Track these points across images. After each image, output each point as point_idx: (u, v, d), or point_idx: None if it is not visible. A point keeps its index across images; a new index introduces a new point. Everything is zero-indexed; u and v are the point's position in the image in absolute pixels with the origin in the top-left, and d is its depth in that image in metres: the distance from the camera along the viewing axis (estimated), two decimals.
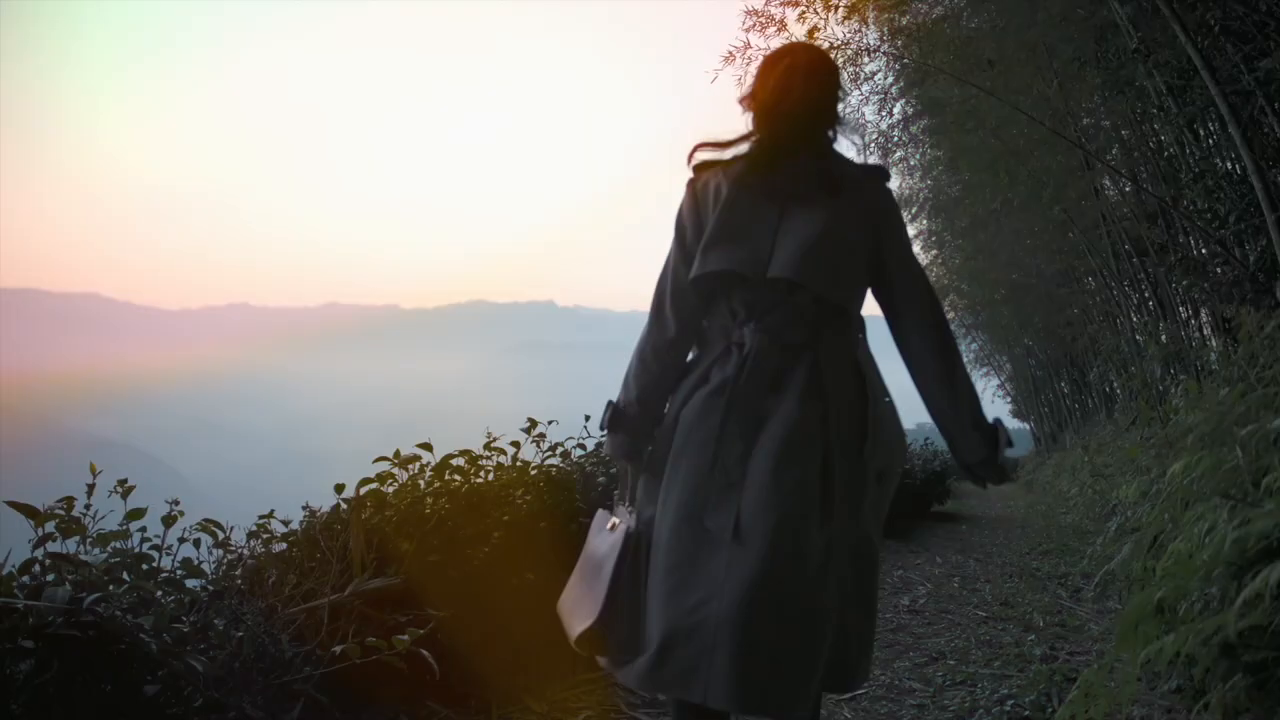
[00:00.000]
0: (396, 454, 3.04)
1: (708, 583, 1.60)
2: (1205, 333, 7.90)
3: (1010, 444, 1.78)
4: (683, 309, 1.81)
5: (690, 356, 1.87)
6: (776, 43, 6.44)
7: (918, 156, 12.24)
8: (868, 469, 1.72)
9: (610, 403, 1.89)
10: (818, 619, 1.61)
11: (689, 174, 1.87)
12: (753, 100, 1.82)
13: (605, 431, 1.89)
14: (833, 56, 2.01)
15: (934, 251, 17.07)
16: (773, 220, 1.72)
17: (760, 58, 1.96)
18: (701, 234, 1.76)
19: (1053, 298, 13.93)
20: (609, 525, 1.86)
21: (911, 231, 16.75)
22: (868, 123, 8.99)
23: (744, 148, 1.81)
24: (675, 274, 1.82)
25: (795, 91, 1.75)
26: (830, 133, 1.83)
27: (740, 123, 1.83)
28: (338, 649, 2.20)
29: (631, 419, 1.84)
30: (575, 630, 1.77)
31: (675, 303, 1.82)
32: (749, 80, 1.86)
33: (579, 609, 1.79)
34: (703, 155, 1.85)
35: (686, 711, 1.71)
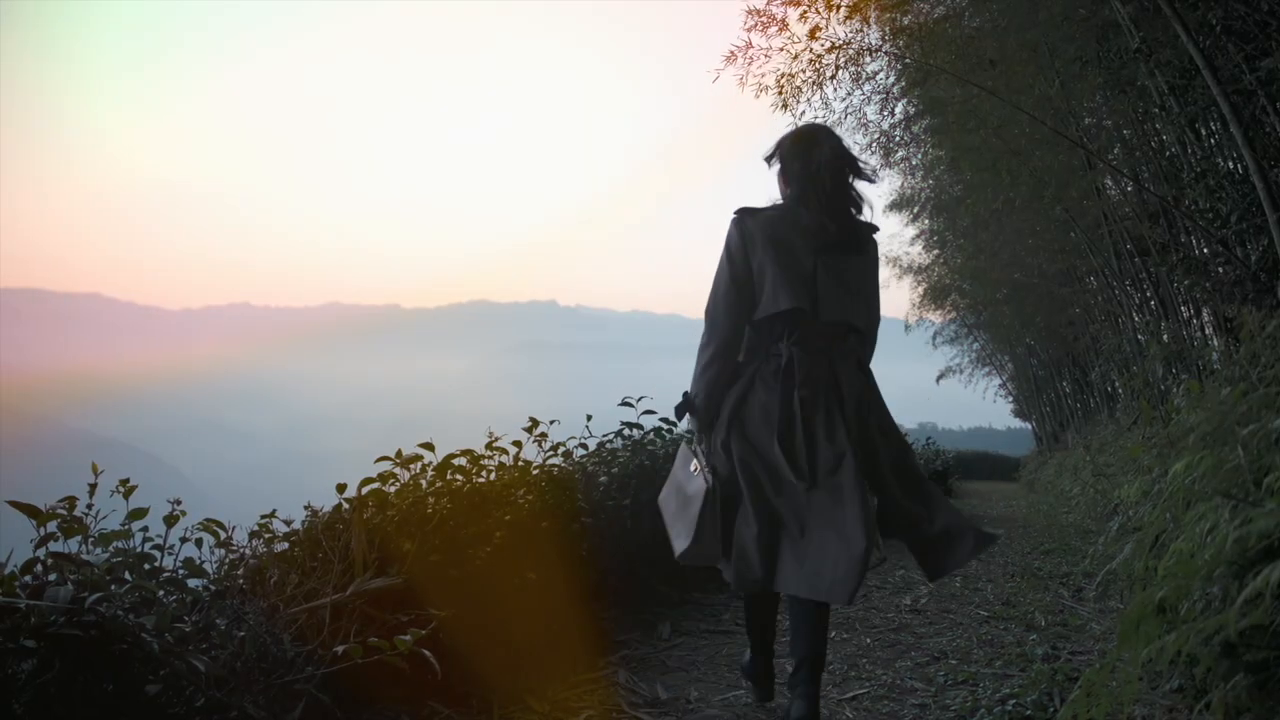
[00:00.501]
0: (398, 453, 3.04)
1: (787, 511, 2.36)
2: (1207, 332, 7.89)
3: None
4: (732, 320, 2.44)
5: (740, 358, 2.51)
6: (778, 42, 6.46)
7: (919, 156, 12.24)
8: (869, 423, 2.46)
9: (685, 394, 2.53)
10: (860, 527, 2.23)
11: (735, 216, 2.47)
12: (787, 181, 2.50)
13: (679, 416, 2.58)
14: (851, 144, 2.62)
15: (935, 251, 17.09)
16: (811, 270, 2.36)
17: (788, 134, 2.53)
18: (749, 267, 2.40)
19: (1054, 297, 13.93)
20: (692, 467, 2.53)
21: (913, 231, 16.81)
22: (870, 122, 8.98)
23: (782, 207, 2.48)
24: (726, 294, 2.43)
25: (825, 185, 2.39)
26: (852, 208, 2.47)
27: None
28: (340, 649, 2.20)
29: (700, 407, 2.49)
30: (676, 549, 2.54)
31: (727, 317, 2.44)
32: (778, 151, 2.52)
33: (676, 532, 2.57)
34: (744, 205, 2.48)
35: (758, 600, 2.65)
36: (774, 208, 2.48)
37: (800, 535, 2.33)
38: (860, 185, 2.50)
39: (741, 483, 2.39)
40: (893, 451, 2.50)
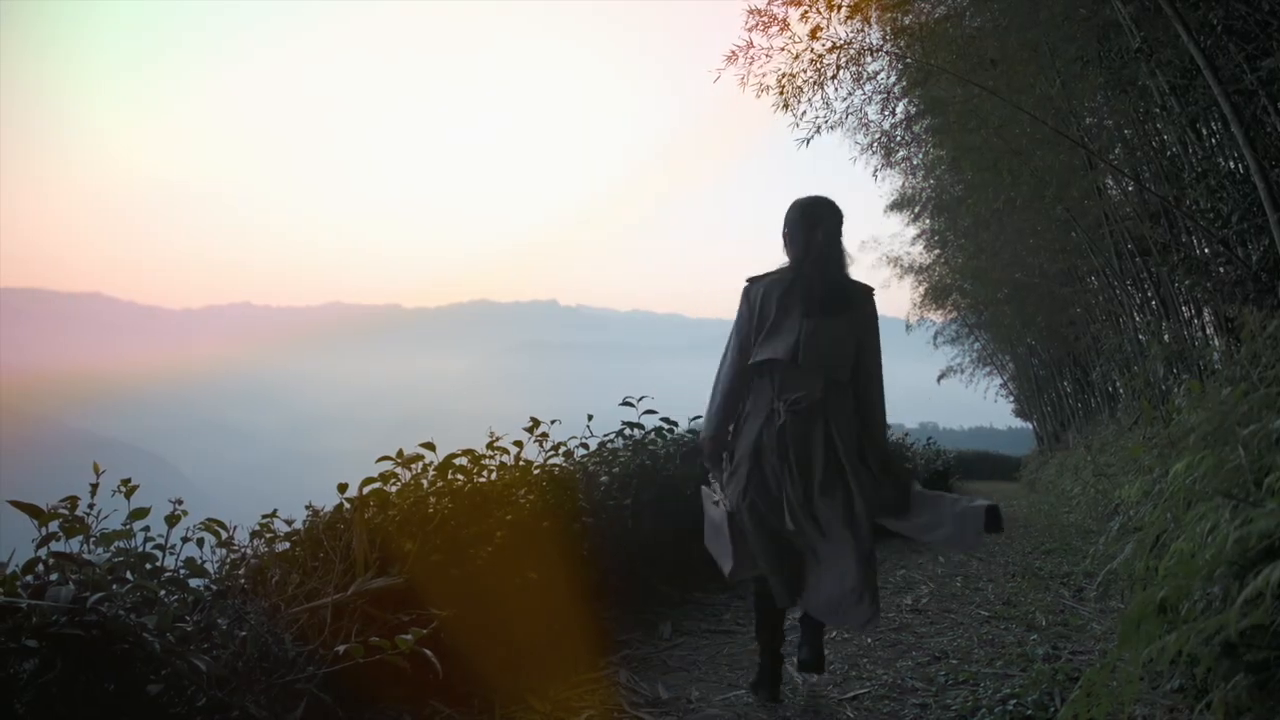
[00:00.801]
0: (399, 453, 3.05)
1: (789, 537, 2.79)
2: (1208, 332, 7.88)
3: (905, 477, 2.94)
4: (738, 376, 2.89)
5: (746, 406, 2.91)
6: (779, 42, 6.46)
7: (920, 156, 12.23)
8: (867, 463, 2.78)
9: (695, 434, 3.25)
10: (849, 567, 2.69)
11: (745, 285, 2.93)
12: (791, 247, 2.90)
13: (692, 453, 3.16)
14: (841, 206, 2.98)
15: (936, 251, 17.08)
16: (807, 326, 2.76)
17: (795, 208, 2.92)
18: (755, 330, 2.84)
19: (1055, 297, 13.91)
20: (715, 500, 2.97)
21: (914, 231, 16.80)
22: (871, 121, 8.98)
23: (782, 272, 2.89)
24: (735, 354, 2.89)
25: (819, 251, 2.81)
26: (845, 270, 2.87)
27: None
28: (341, 648, 2.21)
29: (711, 446, 2.94)
30: (725, 570, 2.89)
31: (734, 372, 2.89)
32: (786, 222, 2.92)
33: (719, 556, 2.94)
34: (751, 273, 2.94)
35: (768, 612, 2.96)
36: (778, 272, 2.91)
37: (816, 563, 2.79)
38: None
39: (748, 521, 2.81)
40: (858, 503, 2.75)
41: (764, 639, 2.97)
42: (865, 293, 2.89)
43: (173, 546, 2.23)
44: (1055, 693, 2.90)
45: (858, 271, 3.03)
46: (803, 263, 2.84)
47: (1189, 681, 2.52)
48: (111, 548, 2.08)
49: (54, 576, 1.89)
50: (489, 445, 3.48)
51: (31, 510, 1.94)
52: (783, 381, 2.79)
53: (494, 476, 3.46)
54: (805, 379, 2.77)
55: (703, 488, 3.13)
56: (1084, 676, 1.95)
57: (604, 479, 4.35)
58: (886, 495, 2.76)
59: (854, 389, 2.85)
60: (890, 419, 3.10)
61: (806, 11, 6.36)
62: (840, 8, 6.42)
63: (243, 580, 2.50)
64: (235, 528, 2.50)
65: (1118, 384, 13.04)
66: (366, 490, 2.85)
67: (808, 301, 2.79)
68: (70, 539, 1.98)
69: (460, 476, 3.27)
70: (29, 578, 1.87)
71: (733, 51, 6.54)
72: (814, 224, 2.85)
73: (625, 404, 4.84)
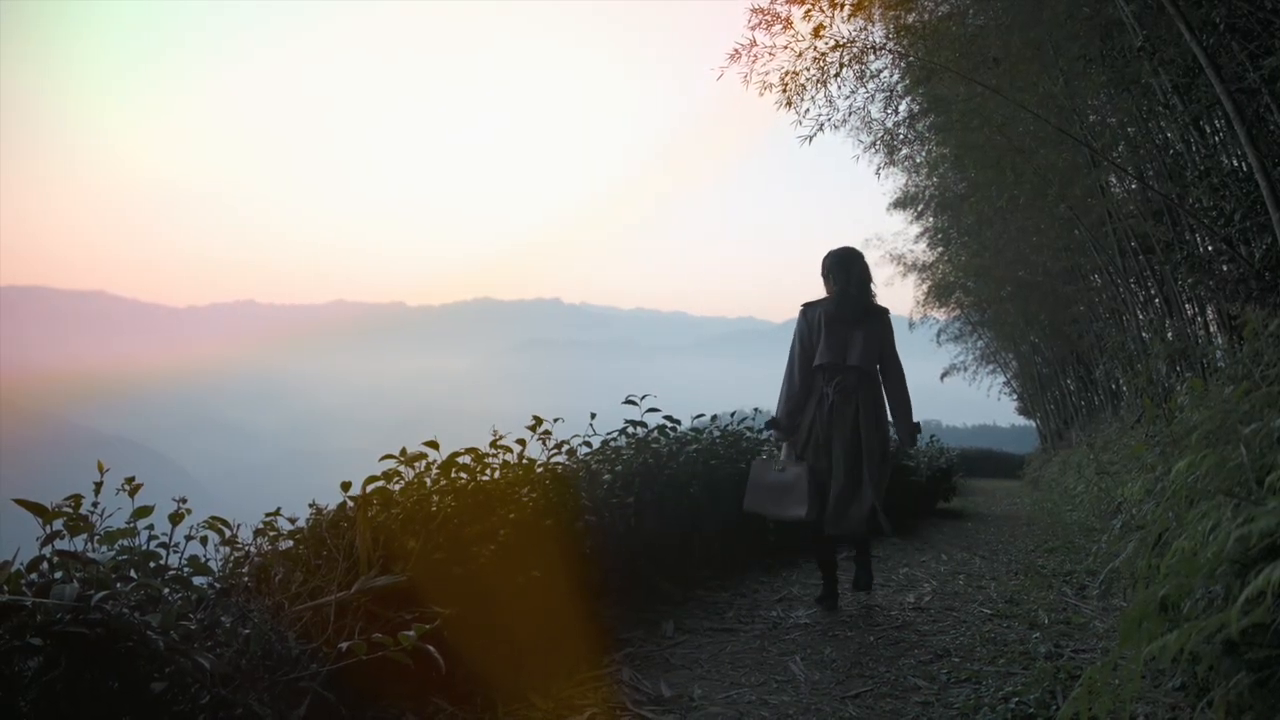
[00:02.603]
0: (403, 452, 3.05)
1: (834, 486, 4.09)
2: (1211, 330, 7.88)
3: (919, 430, 4.57)
4: (803, 373, 4.20)
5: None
6: (782, 40, 6.48)
7: (923, 154, 12.23)
8: (880, 431, 4.15)
9: (774, 418, 4.27)
10: (867, 494, 4.03)
11: (801, 307, 4.32)
12: (832, 284, 4.22)
13: (769, 429, 4.43)
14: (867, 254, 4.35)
15: (939, 249, 17.07)
16: (845, 336, 4.13)
17: (831, 256, 4.26)
18: (814, 339, 4.16)
19: (1058, 295, 13.92)
20: (778, 468, 4.21)
21: (917, 229, 16.82)
22: (874, 120, 8.98)
23: (826, 301, 4.22)
24: (800, 357, 4.20)
25: (852, 294, 4.18)
26: (872, 297, 4.23)
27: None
28: (344, 646, 2.21)
29: (785, 427, 4.23)
30: (798, 515, 4.05)
31: (800, 371, 4.20)
32: (825, 268, 4.25)
33: (786, 508, 4.10)
34: (806, 300, 4.32)
35: (820, 542, 4.27)
36: (822, 301, 4.24)
37: (848, 496, 4.06)
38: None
39: (810, 471, 4.09)
40: (874, 445, 4.15)
41: (823, 564, 4.32)
42: (883, 311, 4.27)
43: (176, 545, 2.24)
44: (1057, 691, 2.90)
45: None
46: (842, 294, 4.17)
47: (1190, 680, 2.52)
48: (115, 546, 2.08)
49: (58, 575, 1.90)
50: (492, 443, 3.49)
51: (36, 509, 1.95)
52: (831, 374, 4.13)
53: (497, 475, 3.47)
54: (846, 372, 4.11)
55: (756, 461, 4.41)
56: (1086, 674, 1.95)
57: (607, 477, 4.36)
58: (888, 451, 4.19)
59: (883, 376, 4.22)
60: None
61: (810, 10, 6.36)
62: (843, 6, 6.42)
63: (246, 578, 2.50)
64: (239, 526, 2.51)
65: (1121, 382, 13.04)
66: (370, 488, 2.85)
67: (846, 321, 4.15)
68: (74, 537, 1.99)
69: (463, 475, 3.27)
70: (33, 576, 1.88)
71: (736, 50, 6.56)
72: (847, 268, 4.19)
73: (628, 402, 4.85)
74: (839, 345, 4.09)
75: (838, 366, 4.09)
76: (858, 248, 4.28)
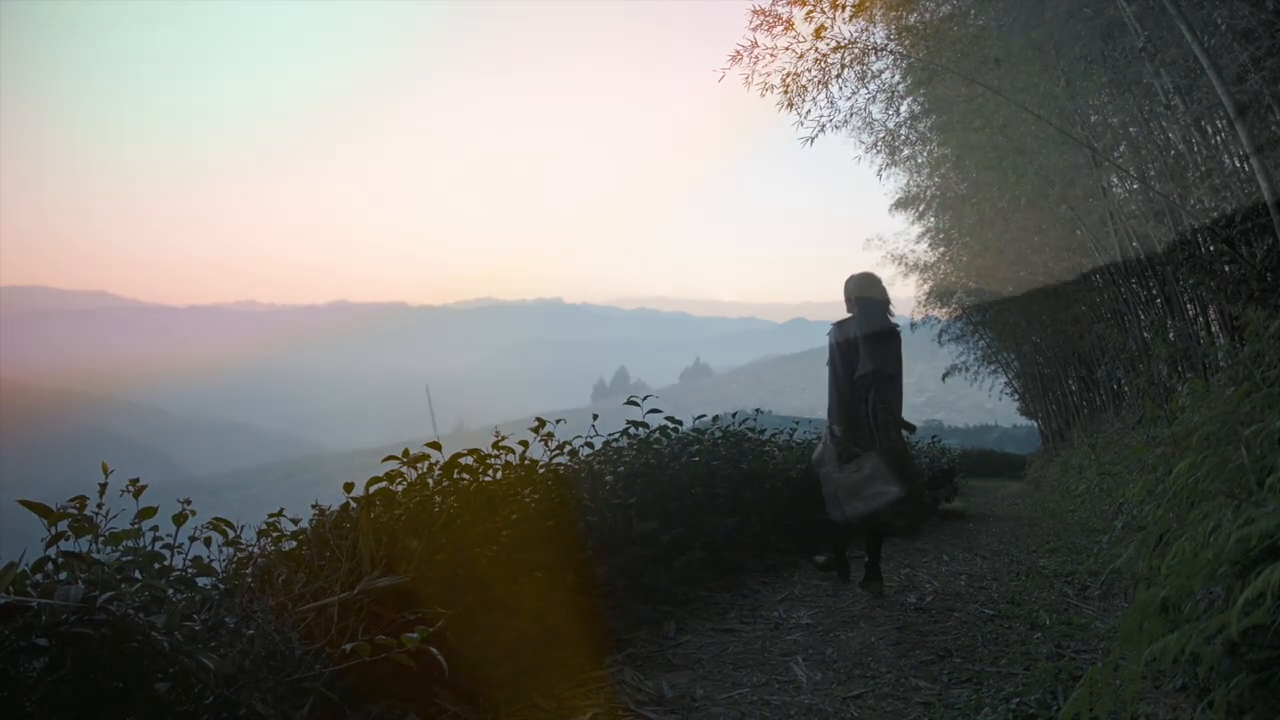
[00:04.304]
0: (405, 453, 3.06)
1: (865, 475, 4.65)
2: (1212, 330, 7.87)
3: (913, 429, 5.02)
4: (846, 383, 4.67)
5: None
6: (784, 42, 6.48)
7: (925, 154, 12.23)
8: (896, 424, 4.73)
9: (830, 426, 4.76)
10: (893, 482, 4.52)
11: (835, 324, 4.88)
12: (852, 305, 4.80)
13: (834, 432, 4.72)
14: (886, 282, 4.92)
15: (941, 249, 17.04)
16: (877, 348, 4.64)
17: (852, 282, 4.85)
18: (850, 353, 4.67)
19: (1060, 295, 13.89)
20: (853, 469, 4.62)
21: (919, 229, 16.79)
22: (875, 120, 8.98)
23: (856, 319, 4.74)
24: (842, 368, 4.67)
25: (877, 311, 4.75)
26: (890, 316, 4.82)
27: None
28: (348, 647, 2.22)
29: (846, 428, 4.66)
30: (892, 497, 4.49)
31: (844, 381, 4.66)
32: (848, 294, 4.85)
33: (883, 494, 4.51)
34: (839, 319, 4.84)
35: (840, 531, 5.01)
36: (848, 321, 4.77)
37: (870, 485, 4.56)
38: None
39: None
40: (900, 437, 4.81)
41: (837, 547, 4.99)
42: (895, 328, 4.84)
43: (180, 545, 2.25)
44: (1058, 691, 2.90)
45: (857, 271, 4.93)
46: (867, 313, 4.74)
47: (1191, 680, 2.53)
48: (120, 547, 2.09)
49: (63, 575, 1.91)
50: (494, 444, 3.49)
51: (41, 510, 1.96)
52: (870, 380, 4.65)
53: (499, 476, 3.47)
54: (881, 378, 4.68)
55: (823, 476, 4.85)
56: (1087, 675, 1.95)
57: (609, 478, 4.36)
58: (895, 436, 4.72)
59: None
60: None
61: (811, 11, 6.37)
62: (844, 7, 6.43)
63: (250, 579, 2.51)
64: (242, 527, 2.52)
65: (1122, 382, 13.02)
66: (373, 490, 2.86)
67: (871, 336, 4.70)
68: (79, 538, 2.00)
69: (466, 476, 3.28)
70: (39, 577, 1.89)
71: (738, 51, 6.56)
72: (867, 291, 4.79)
73: (630, 403, 4.85)
74: (875, 356, 4.65)
75: (876, 374, 4.64)
76: (873, 271, 4.96)
